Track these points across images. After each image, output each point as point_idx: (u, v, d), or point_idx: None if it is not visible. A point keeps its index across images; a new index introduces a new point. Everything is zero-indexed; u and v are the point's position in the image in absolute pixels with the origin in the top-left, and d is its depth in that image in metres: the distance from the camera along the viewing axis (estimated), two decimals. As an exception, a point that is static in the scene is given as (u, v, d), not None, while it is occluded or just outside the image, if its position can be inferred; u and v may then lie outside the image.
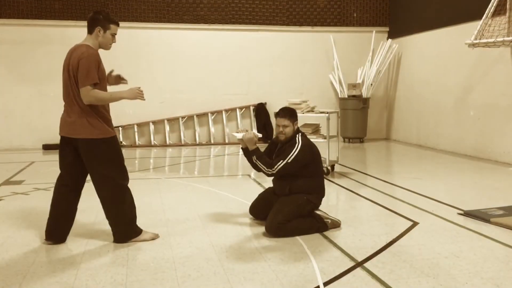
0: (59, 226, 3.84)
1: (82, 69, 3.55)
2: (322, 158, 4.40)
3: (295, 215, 4.00)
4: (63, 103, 3.76)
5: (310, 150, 4.14)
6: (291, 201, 4.05)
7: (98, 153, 3.69)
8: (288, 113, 4.19)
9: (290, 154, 4.02)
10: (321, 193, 4.23)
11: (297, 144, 4.08)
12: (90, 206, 5.09)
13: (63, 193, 3.82)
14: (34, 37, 9.86)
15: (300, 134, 4.20)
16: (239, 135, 4.11)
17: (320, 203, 4.23)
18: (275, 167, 4.01)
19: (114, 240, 3.84)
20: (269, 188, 4.51)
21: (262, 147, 4.32)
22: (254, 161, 4.06)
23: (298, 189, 4.09)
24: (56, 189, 3.85)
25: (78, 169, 3.80)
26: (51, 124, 10.00)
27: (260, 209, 4.35)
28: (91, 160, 3.71)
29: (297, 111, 6.53)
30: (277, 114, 4.23)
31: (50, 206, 3.85)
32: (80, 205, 5.21)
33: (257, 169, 4.10)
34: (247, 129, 4.31)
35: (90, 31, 3.73)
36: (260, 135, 4.21)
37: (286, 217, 3.95)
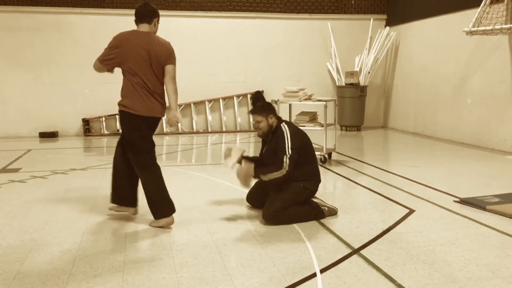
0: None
1: (173, 56, 4.01)
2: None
3: (292, 202, 4.01)
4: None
5: (300, 135, 4.12)
6: (288, 189, 4.05)
7: None
8: (259, 108, 4.14)
9: (286, 147, 3.97)
10: (317, 179, 4.21)
11: (285, 133, 4.03)
12: (87, 194, 5.10)
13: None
14: (30, 24, 9.78)
15: (283, 123, 4.15)
16: (232, 167, 4.13)
17: (316, 189, 4.23)
18: (283, 165, 3.91)
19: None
20: None
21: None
22: (264, 178, 3.98)
23: (294, 178, 4.05)
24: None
25: None
26: (48, 111, 10.07)
27: (257, 197, 4.35)
28: None
29: (295, 99, 6.59)
30: (250, 111, 4.20)
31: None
32: (78, 193, 5.22)
33: (273, 181, 3.98)
34: (231, 153, 4.19)
35: (148, 21, 3.96)
36: (244, 151, 4.20)
37: (283, 204, 3.96)
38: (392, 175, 5.94)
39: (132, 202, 4.10)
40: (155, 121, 3.98)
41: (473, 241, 3.55)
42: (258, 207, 4.30)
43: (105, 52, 3.89)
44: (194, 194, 5.02)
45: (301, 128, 4.52)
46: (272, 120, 4.15)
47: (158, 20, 4.05)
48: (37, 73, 9.92)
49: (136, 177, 4.03)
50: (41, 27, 9.82)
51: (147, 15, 3.94)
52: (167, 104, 3.97)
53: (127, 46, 3.83)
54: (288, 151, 3.95)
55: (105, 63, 3.91)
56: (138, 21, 3.97)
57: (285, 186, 4.06)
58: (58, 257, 3.29)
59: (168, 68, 3.95)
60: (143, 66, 3.83)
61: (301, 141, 4.09)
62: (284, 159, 3.93)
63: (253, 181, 4.19)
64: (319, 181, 4.25)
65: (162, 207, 3.91)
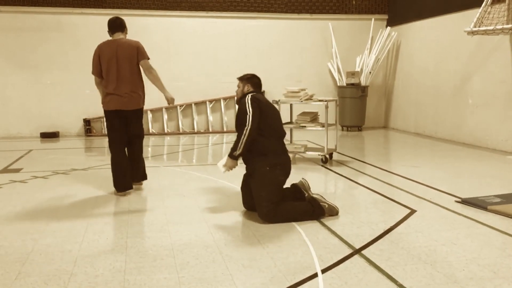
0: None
1: (143, 50, 5.01)
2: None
3: (274, 191, 4.01)
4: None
5: (257, 102, 4.17)
6: (260, 182, 4.03)
7: None
8: (243, 76, 4.50)
9: (246, 108, 4.13)
10: (277, 151, 4.17)
11: (246, 99, 4.21)
12: (89, 194, 5.11)
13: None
14: (31, 25, 9.79)
15: (250, 94, 4.28)
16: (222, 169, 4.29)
17: (281, 161, 4.17)
18: (247, 123, 4.07)
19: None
20: (244, 175, 4.42)
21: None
22: (239, 152, 4.15)
23: (254, 150, 4.13)
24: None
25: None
26: (49, 112, 10.08)
27: (251, 201, 4.23)
28: None
29: (296, 99, 6.59)
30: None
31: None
32: (80, 193, 5.22)
33: (246, 146, 4.11)
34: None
35: (122, 30, 5.05)
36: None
37: (268, 201, 3.95)
38: (393, 175, 5.94)
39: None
40: (121, 112, 4.93)
41: (474, 241, 3.55)
42: (254, 209, 4.24)
43: (93, 64, 4.94)
44: (195, 194, 5.03)
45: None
46: (247, 89, 4.42)
47: (126, 28, 5.16)
48: (38, 73, 9.92)
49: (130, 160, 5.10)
50: (42, 27, 9.83)
51: (119, 27, 5.05)
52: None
53: (101, 55, 4.90)
54: (249, 109, 4.10)
55: (97, 72, 4.94)
56: (114, 31, 5.01)
57: (256, 182, 4.09)
58: (60, 257, 3.29)
59: (142, 63, 4.99)
60: (109, 69, 4.85)
61: (260, 105, 4.16)
62: (247, 118, 4.08)
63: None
64: (280, 152, 4.21)
65: (114, 182, 4.97)
